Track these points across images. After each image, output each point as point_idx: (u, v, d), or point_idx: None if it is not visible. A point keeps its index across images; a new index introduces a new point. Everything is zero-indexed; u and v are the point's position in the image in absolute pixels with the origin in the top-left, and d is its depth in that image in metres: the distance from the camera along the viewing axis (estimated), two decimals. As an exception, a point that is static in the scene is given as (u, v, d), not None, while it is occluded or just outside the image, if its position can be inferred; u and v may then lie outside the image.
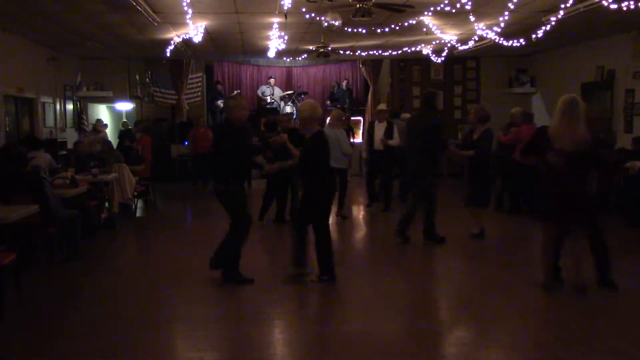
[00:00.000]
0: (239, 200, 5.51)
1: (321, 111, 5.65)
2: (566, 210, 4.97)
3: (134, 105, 14.11)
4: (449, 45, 11.18)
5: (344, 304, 5.17)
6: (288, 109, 15.29)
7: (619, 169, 6.32)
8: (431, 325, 4.67)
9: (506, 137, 9.09)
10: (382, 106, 10.01)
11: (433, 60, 12.92)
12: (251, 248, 6.21)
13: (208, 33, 10.09)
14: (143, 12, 7.76)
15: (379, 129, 9.28)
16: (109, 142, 10.17)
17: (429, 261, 6.77)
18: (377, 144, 9.24)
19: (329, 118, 9.13)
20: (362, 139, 11.50)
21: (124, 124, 13.15)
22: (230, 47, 12.32)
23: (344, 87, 15.83)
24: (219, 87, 15.33)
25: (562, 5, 7.45)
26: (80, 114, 13.16)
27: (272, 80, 15.68)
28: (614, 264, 5.31)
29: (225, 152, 5.40)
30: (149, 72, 14.07)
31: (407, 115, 10.50)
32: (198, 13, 8.36)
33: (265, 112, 14.03)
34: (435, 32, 9.80)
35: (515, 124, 9.04)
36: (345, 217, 9.11)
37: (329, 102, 15.54)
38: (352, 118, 13.54)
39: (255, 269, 5.81)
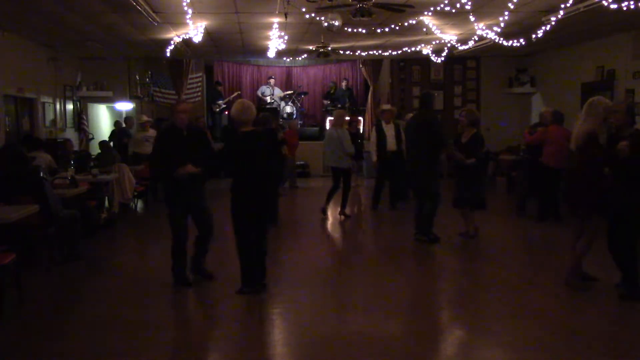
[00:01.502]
0: (171, 206, 5.43)
1: (254, 113, 5.23)
2: (576, 206, 5.16)
3: (134, 105, 14.11)
4: (449, 45, 11.17)
5: (344, 304, 5.17)
6: (288, 109, 15.31)
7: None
8: (431, 325, 4.67)
9: (531, 137, 8.73)
10: (387, 106, 9.96)
11: (433, 60, 12.91)
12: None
13: (208, 33, 10.08)
14: (143, 12, 7.76)
15: (389, 130, 9.28)
16: (107, 142, 10.16)
17: (429, 261, 6.77)
18: (390, 145, 9.22)
19: (331, 118, 9.19)
20: (367, 140, 11.48)
21: (116, 123, 13.02)
22: (230, 47, 12.32)
23: (344, 87, 15.83)
24: (219, 88, 15.33)
25: (562, 5, 7.45)
26: (80, 114, 13.15)
27: (272, 80, 15.68)
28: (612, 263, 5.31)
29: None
30: (149, 72, 14.07)
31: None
32: (198, 13, 8.36)
33: (264, 112, 14.02)
34: (435, 32, 9.79)
35: (543, 125, 8.68)
36: (347, 216, 9.14)
37: (328, 102, 15.54)
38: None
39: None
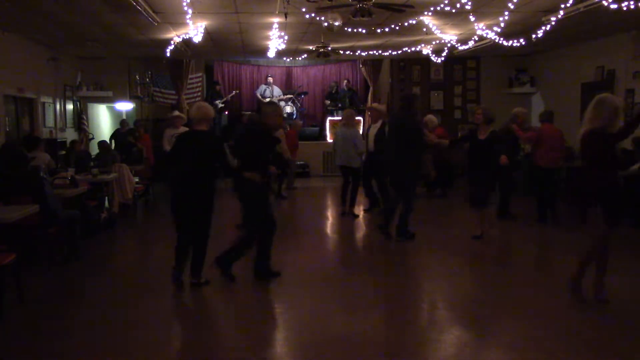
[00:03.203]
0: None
1: (205, 112, 5.51)
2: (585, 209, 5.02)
3: (134, 105, 14.11)
4: (449, 45, 11.18)
5: (344, 304, 5.17)
6: (288, 109, 15.30)
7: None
8: (431, 325, 4.67)
9: (525, 134, 8.55)
10: (375, 105, 9.92)
11: (433, 60, 12.91)
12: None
13: (208, 33, 10.09)
14: (143, 12, 7.76)
15: (372, 130, 9.29)
16: (106, 142, 10.13)
17: (429, 261, 6.76)
18: (370, 146, 9.25)
19: (331, 118, 9.19)
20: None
21: (122, 122, 13.01)
22: (230, 47, 12.32)
23: (345, 87, 15.81)
24: (218, 87, 15.31)
25: (562, 5, 7.45)
26: (80, 114, 13.16)
27: (270, 79, 15.65)
28: (617, 265, 5.30)
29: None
30: (149, 72, 14.07)
31: (431, 116, 10.31)
32: (198, 13, 8.36)
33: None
34: (435, 32, 9.79)
35: (516, 124, 8.55)
36: (356, 215, 9.16)
37: (328, 102, 15.54)
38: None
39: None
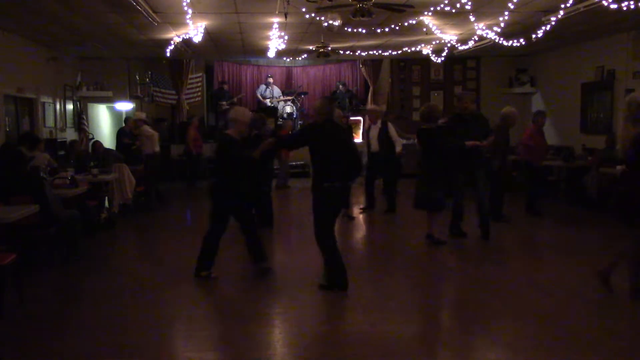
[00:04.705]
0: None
1: (237, 115, 5.68)
2: (627, 212, 4.90)
3: (134, 105, 14.11)
4: (449, 45, 11.18)
5: (344, 304, 5.16)
6: (288, 109, 15.30)
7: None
8: (431, 325, 4.67)
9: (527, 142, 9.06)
10: (371, 106, 9.85)
11: (433, 60, 12.92)
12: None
13: (208, 33, 10.09)
14: (143, 12, 7.77)
15: (373, 131, 9.28)
16: (100, 142, 10.11)
17: (429, 262, 6.76)
18: (373, 146, 9.23)
19: None
20: (363, 139, 11.46)
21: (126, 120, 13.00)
22: (230, 47, 12.32)
23: (342, 89, 15.78)
24: (225, 87, 15.27)
25: (562, 5, 7.46)
26: (80, 114, 13.16)
27: (270, 79, 15.64)
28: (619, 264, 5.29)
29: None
30: (149, 72, 14.07)
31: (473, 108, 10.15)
32: (198, 13, 8.36)
33: (266, 112, 14.05)
34: (435, 32, 9.80)
35: (506, 126, 8.40)
36: (352, 217, 9.12)
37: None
38: (352, 118, 13.50)
39: (254, 269, 5.82)
